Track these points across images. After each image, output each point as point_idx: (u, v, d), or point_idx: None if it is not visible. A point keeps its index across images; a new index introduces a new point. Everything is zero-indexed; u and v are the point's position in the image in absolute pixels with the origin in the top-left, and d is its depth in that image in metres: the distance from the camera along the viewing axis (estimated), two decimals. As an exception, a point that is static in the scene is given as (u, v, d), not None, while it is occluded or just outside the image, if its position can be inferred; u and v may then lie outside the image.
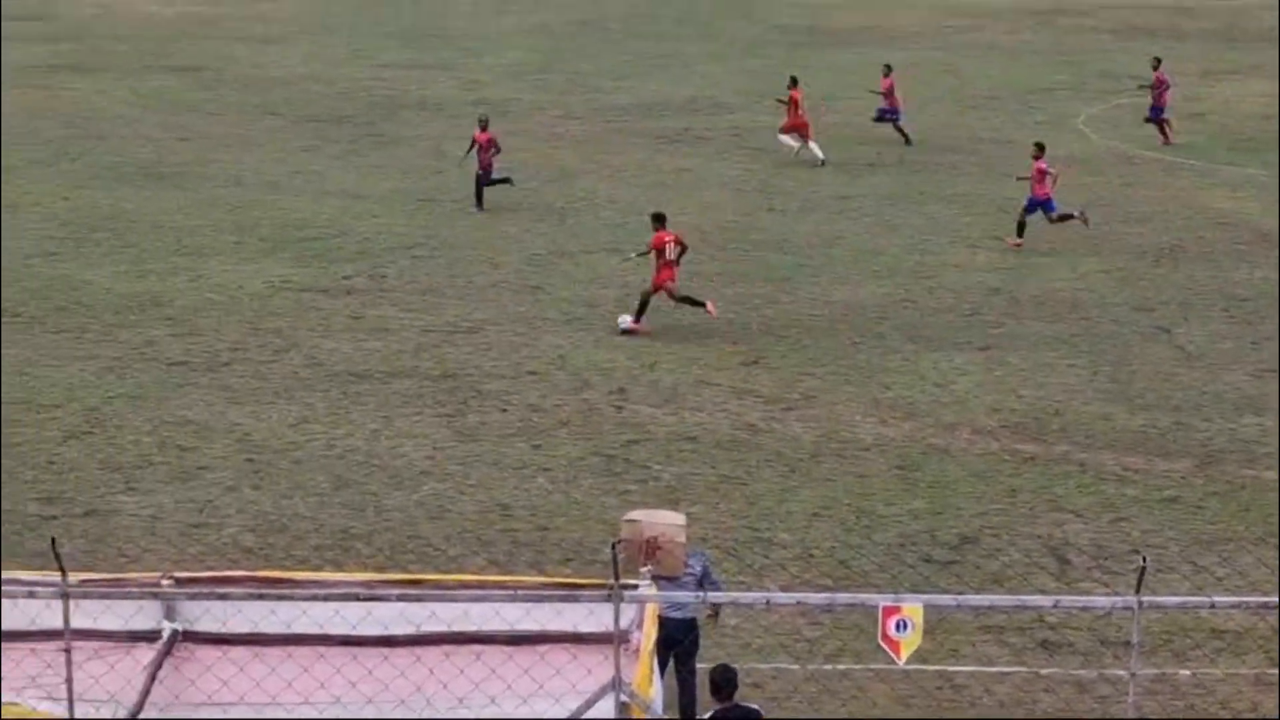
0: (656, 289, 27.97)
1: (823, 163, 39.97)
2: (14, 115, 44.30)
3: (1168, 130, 43.12)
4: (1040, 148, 33.88)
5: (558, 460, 22.54)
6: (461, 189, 36.67)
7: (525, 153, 40.09)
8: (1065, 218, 33.42)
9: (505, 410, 24.36)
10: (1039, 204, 33.44)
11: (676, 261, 28.01)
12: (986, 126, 45.11)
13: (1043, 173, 33.41)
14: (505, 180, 36.17)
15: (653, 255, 28.20)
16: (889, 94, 42.98)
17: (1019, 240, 33.32)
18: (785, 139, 41.08)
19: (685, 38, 60.35)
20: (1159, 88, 43.22)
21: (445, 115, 46.00)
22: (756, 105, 46.26)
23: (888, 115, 43.08)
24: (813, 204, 36.82)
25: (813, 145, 40.42)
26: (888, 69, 43.47)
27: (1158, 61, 44.09)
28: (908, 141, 42.26)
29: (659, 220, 28.37)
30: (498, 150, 36.18)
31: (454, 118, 45.33)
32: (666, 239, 27.96)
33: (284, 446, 22.84)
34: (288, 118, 45.35)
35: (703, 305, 27.97)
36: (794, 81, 41.09)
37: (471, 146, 36.32)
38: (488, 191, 36.05)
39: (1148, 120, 43.45)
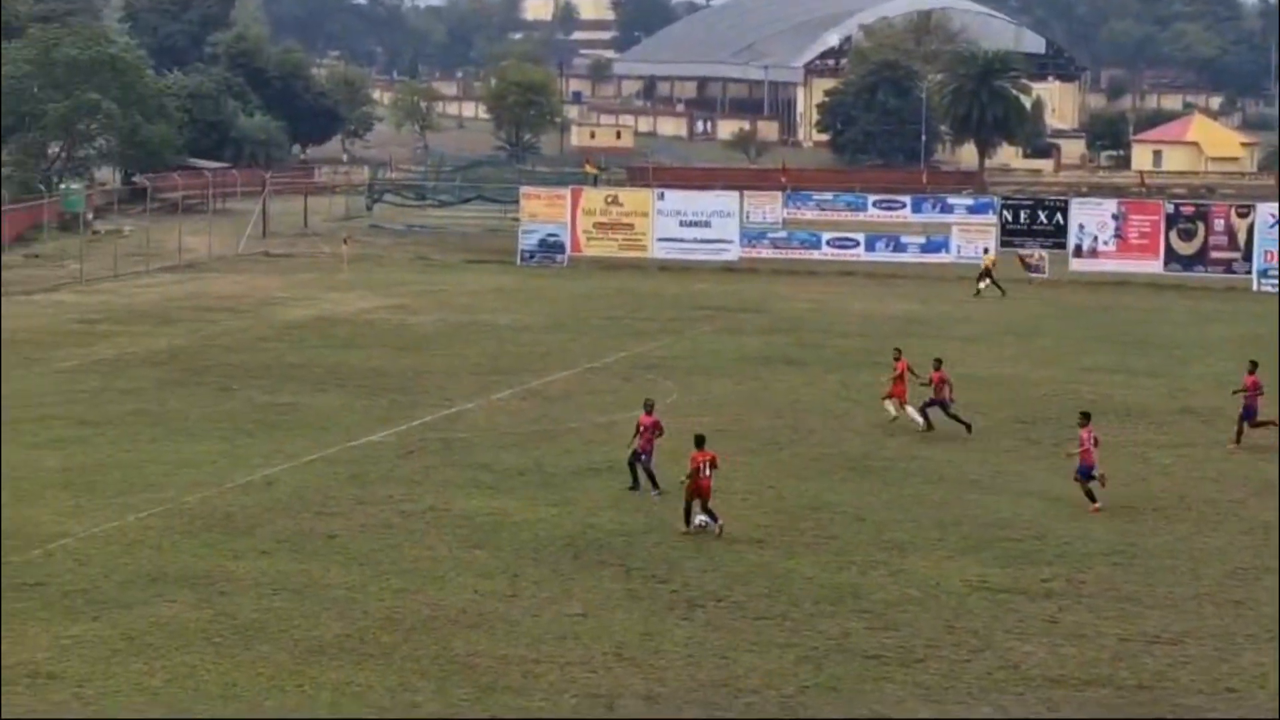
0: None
1: None
2: (728, 403, 46.13)
3: None
4: None
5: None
6: (1159, 499, 36.16)
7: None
8: None
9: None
10: None
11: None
12: None
13: None
14: None
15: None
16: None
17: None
18: None
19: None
20: None
21: (1148, 421, 45.57)
22: None
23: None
24: None
25: None
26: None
27: None
28: None
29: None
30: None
31: (1157, 424, 44.87)
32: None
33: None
34: (991, 417, 45.71)
35: None
36: None
37: None
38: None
39: None
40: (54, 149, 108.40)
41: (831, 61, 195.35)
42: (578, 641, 26.88)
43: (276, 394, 47.73)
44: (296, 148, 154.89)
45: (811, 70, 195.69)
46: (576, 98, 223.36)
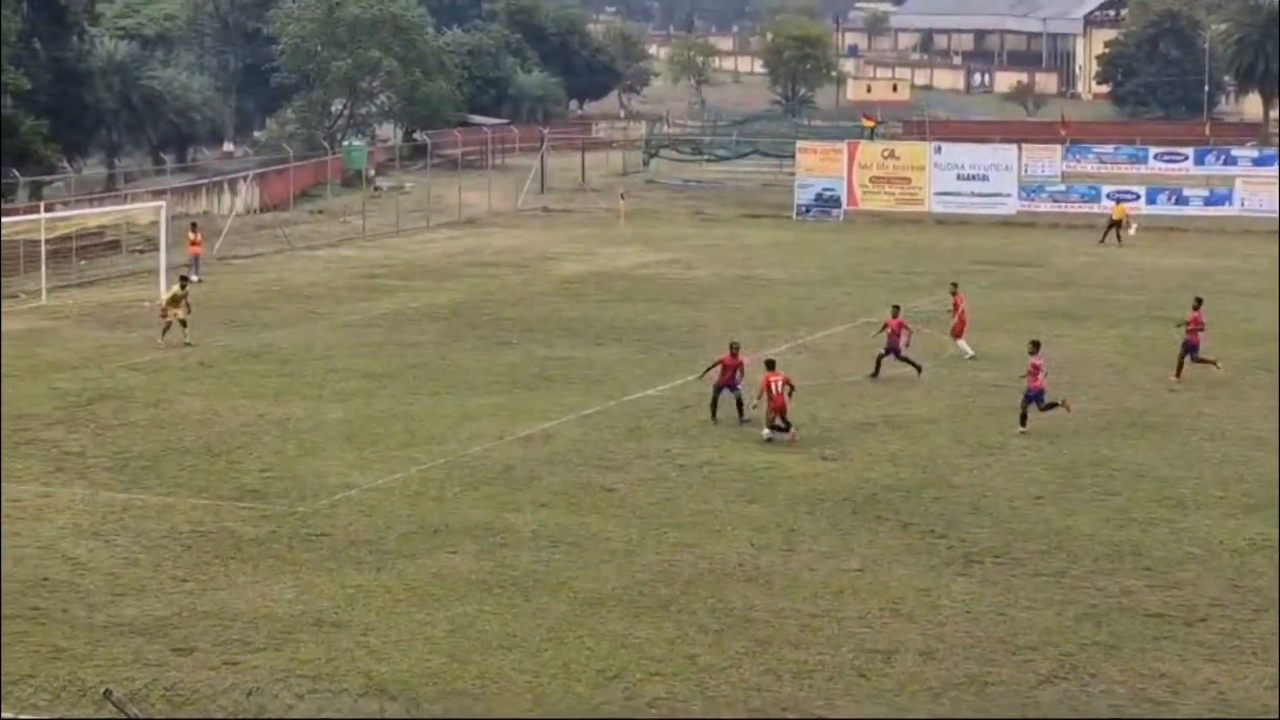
0: None
1: None
2: (1006, 359, 45.61)
3: None
4: None
5: None
6: None
7: None
8: None
9: None
10: None
11: None
12: None
13: None
14: None
15: None
16: None
17: None
18: None
19: None
20: None
21: None
22: None
23: None
24: None
25: None
26: None
27: None
28: None
29: None
30: None
31: None
32: None
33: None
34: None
35: None
36: None
37: None
38: None
39: None
40: (337, 107, 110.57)
41: (1111, 12, 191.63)
42: (855, 596, 26.84)
43: (554, 348, 48.27)
44: (574, 104, 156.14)
45: (1091, 21, 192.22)
46: (853, 51, 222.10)
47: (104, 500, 32.15)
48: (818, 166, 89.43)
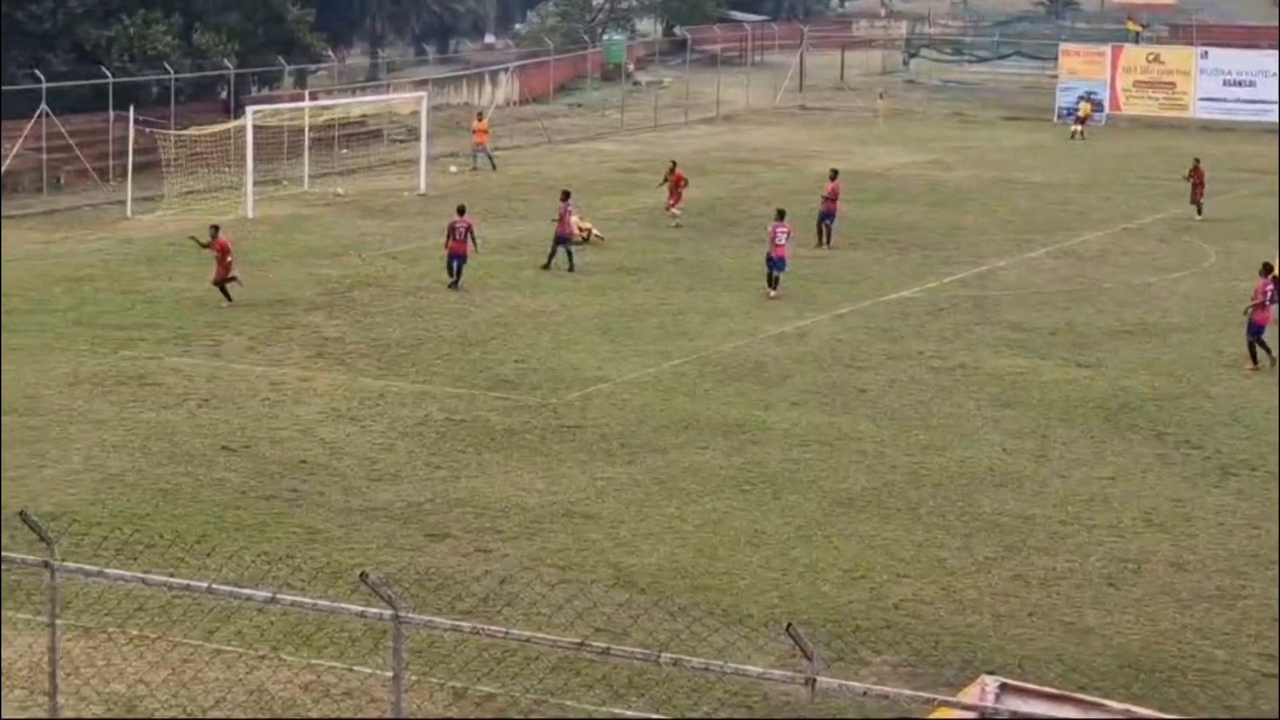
0: None
1: None
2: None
3: None
4: None
5: None
6: None
7: None
8: None
9: None
10: None
11: None
12: None
13: None
14: None
15: None
16: None
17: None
18: None
19: None
20: None
21: None
22: None
23: None
24: None
25: None
26: None
27: None
28: None
29: None
30: None
31: None
32: None
33: None
34: None
35: None
36: None
37: None
38: None
39: None
40: (598, 0, 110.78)
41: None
42: (1106, 505, 26.52)
43: (808, 247, 48.09)
44: (834, 1, 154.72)
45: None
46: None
47: (361, 386, 32.78)
48: (1080, 69, 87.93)
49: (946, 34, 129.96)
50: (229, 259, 40.23)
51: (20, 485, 25.96)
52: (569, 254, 44.35)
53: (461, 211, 43.09)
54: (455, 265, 42.30)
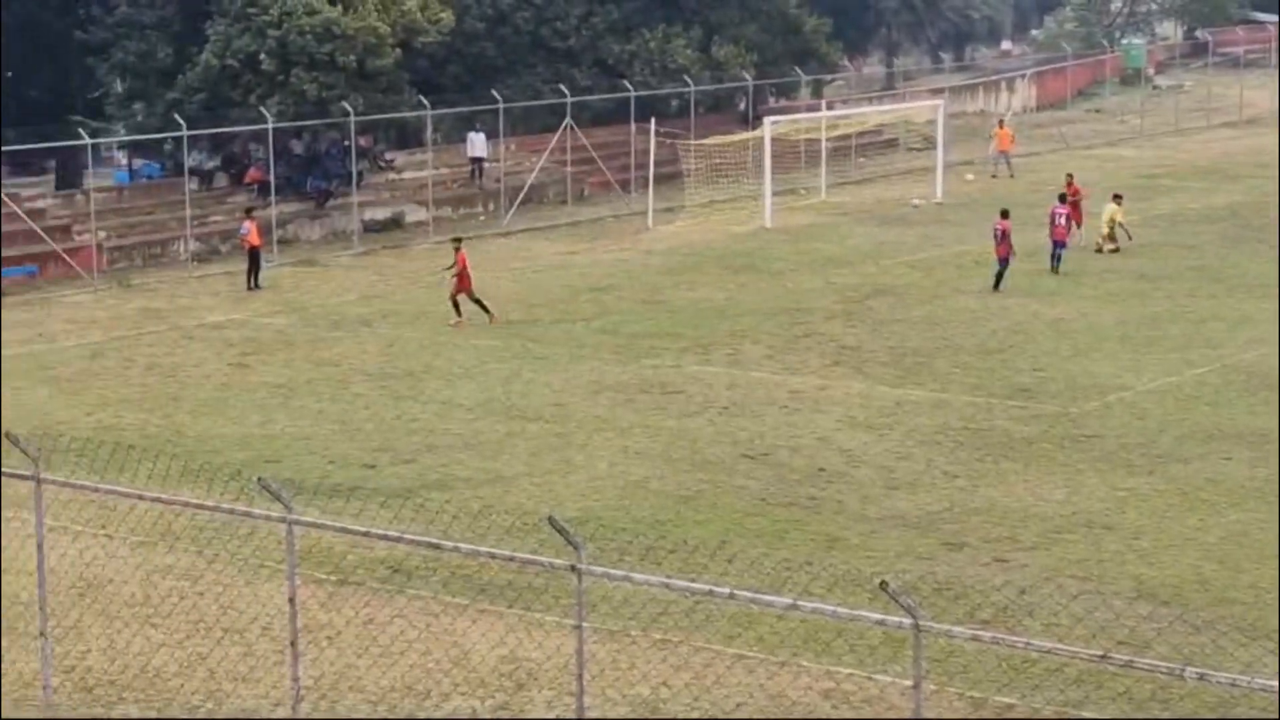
0: None
1: None
2: None
3: None
4: None
5: None
6: None
7: None
8: None
9: None
10: None
11: None
12: None
13: None
14: None
15: None
16: None
17: None
18: None
19: None
20: None
21: None
22: None
23: None
24: None
25: None
26: None
27: None
28: None
29: None
30: None
31: None
32: None
33: None
34: None
35: None
36: None
37: None
38: None
39: None
40: (1116, 4, 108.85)
41: None
42: None
43: (1340, 253, 46.31)
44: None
45: None
46: None
47: (879, 394, 32.94)
48: None
49: None
50: (466, 273, 40.28)
51: (547, 490, 26.91)
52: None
53: (1005, 215, 43.21)
54: (999, 269, 42.68)
